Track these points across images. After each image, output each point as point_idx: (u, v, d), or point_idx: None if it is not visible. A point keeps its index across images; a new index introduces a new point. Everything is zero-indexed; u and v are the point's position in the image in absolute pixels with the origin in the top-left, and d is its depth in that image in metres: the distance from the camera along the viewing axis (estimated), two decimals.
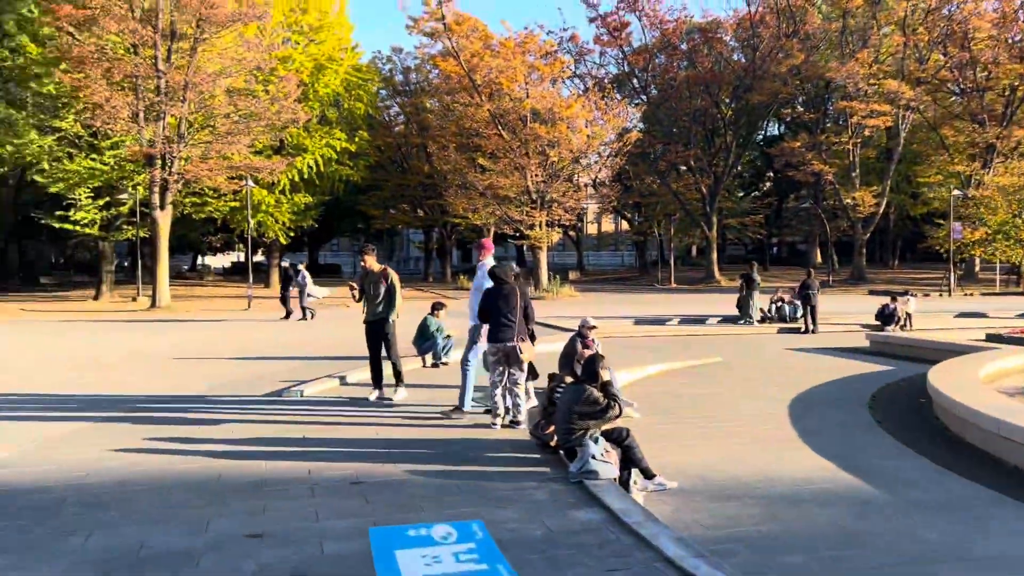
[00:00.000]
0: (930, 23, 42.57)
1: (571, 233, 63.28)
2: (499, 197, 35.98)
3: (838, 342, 18.36)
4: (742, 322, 21.80)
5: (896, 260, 63.38)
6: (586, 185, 39.24)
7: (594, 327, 10.05)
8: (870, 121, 41.47)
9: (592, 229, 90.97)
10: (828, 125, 48.49)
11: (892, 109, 41.16)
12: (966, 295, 36.12)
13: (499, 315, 7.99)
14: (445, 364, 13.07)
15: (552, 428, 6.55)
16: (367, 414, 8.79)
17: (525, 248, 61.55)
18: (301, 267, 24.11)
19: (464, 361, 8.78)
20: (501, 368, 8.14)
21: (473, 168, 36.71)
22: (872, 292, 37.83)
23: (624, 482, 5.93)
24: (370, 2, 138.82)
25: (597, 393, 5.99)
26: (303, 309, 23.33)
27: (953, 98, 44.04)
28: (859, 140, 44.99)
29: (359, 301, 9.75)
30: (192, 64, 26.91)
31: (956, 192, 38.52)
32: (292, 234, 40.42)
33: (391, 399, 9.52)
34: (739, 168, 57.14)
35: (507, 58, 33.90)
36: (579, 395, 6.00)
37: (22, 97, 32.24)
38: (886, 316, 21.56)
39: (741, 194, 65.96)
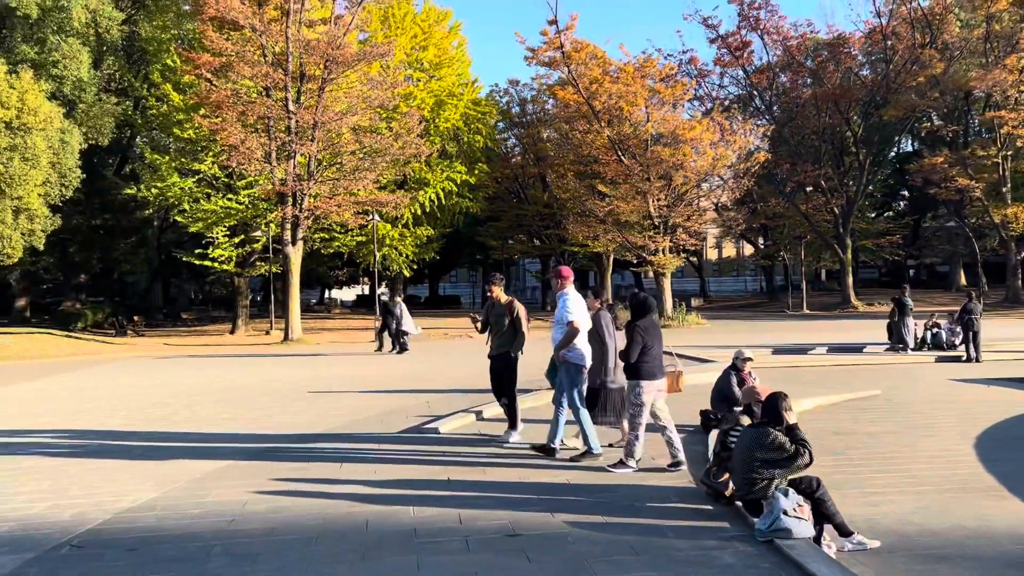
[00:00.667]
0: None
1: (692, 259, 61.66)
2: (620, 223, 35.26)
3: (1008, 372, 16.63)
4: (895, 350, 20.17)
5: None
6: (707, 209, 37.93)
7: (750, 359, 9.26)
8: (1020, 131, 38.34)
9: (712, 254, 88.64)
10: (971, 138, 45.26)
11: None
12: None
13: (657, 348, 7.31)
14: None
15: (726, 476, 5.83)
16: (508, 453, 8.29)
17: (643, 276, 60.39)
18: (399, 299, 23.08)
19: (572, 406, 7.91)
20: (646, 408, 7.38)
21: (592, 195, 36.20)
22: None
23: (815, 539, 5.16)
24: (489, 36, 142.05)
25: (783, 438, 5.25)
26: (396, 342, 22.34)
27: None
28: (1009, 152, 41.69)
29: (483, 333, 9.21)
30: (320, 104, 27.74)
31: None
32: (415, 266, 41.02)
33: (506, 440, 8.80)
34: (872, 187, 54.23)
35: (627, 83, 33.33)
36: (762, 440, 5.27)
37: (165, 143, 34.25)
38: None
39: (873, 214, 62.60)
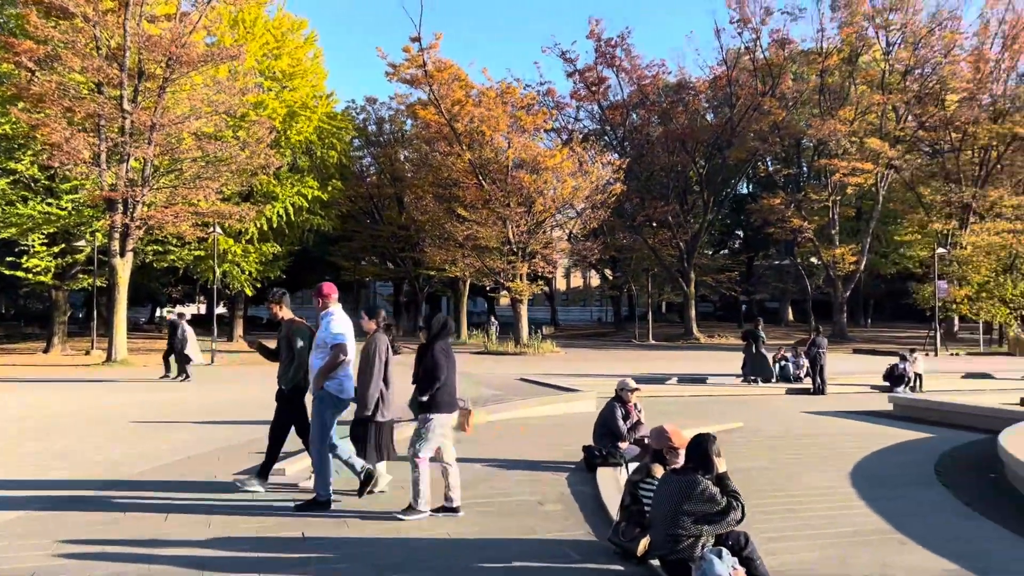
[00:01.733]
0: (907, 83, 42.91)
1: (545, 287, 62.22)
2: (479, 248, 34.70)
3: (854, 404, 17.26)
4: (749, 381, 20.56)
5: (869, 319, 63.28)
6: (563, 238, 38.11)
7: (636, 389, 8.65)
8: (852, 179, 41.28)
9: (561, 284, 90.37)
10: (803, 182, 48.41)
11: (874, 167, 41.05)
12: (952, 355, 35.47)
13: (452, 378, 6.50)
14: None
15: (638, 531, 5.04)
16: (369, 504, 7.20)
17: (495, 302, 60.24)
18: (183, 321, 20.48)
19: (317, 441, 6.77)
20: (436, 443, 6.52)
21: (451, 218, 35.48)
22: (857, 351, 37.06)
23: None
24: (346, 49, 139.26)
25: (714, 488, 4.54)
26: (178, 366, 20.06)
27: (930, 157, 44.14)
28: (839, 197, 44.83)
29: (273, 360, 7.71)
30: (159, 105, 25.42)
31: (941, 250, 38.17)
32: (259, 285, 38.59)
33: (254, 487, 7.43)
34: (712, 225, 56.88)
35: (489, 107, 33.00)
36: (690, 490, 4.52)
37: None
38: (896, 377, 20.55)
39: (711, 251, 65.76)
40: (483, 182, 33.82)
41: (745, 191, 63.35)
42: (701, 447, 4.65)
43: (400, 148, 50.83)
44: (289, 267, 41.16)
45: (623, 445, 8.27)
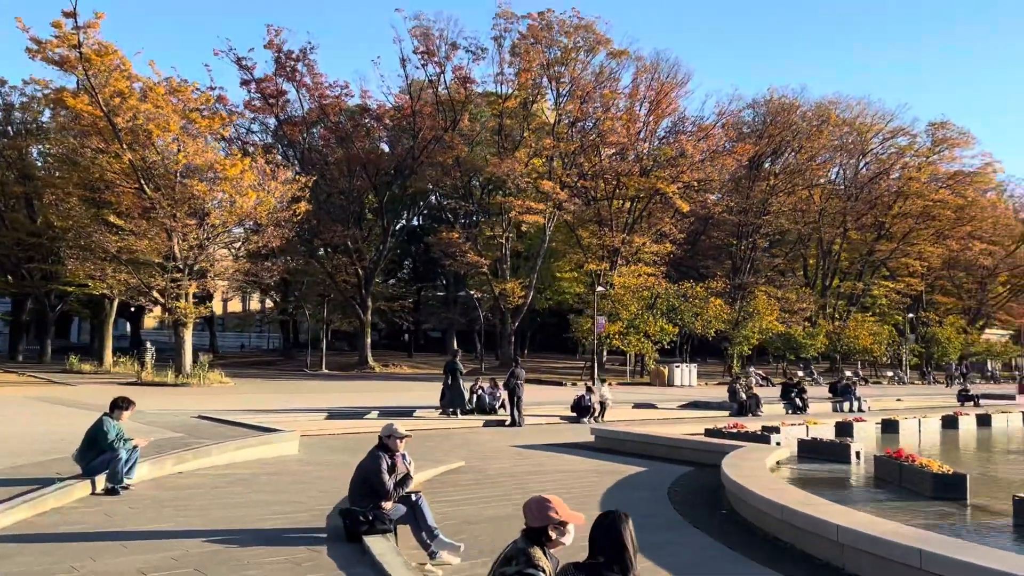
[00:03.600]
0: (573, 134, 46.66)
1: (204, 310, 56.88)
2: (136, 262, 30.20)
3: (554, 436, 17.39)
4: (447, 414, 19.93)
5: (526, 349, 67.47)
6: (240, 256, 34.76)
7: (406, 436, 7.25)
8: (527, 217, 43.56)
9: (219, 307, 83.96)
10: (479, 219, 50.25)
11: (546, 207, 43.75)
12: (609, 385, 38.62)
13: None
14: (126, 488, 9.04)
15: None
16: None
17: (140, 326, 53.60)
18: None
19: None
20: None
21: (102, 226, 30.49)
22: (527, 381, 38.83)
23: None
24: None
25: None
26: None
27: (587, 204, 48.32)
28: (511, 234, 47.13)
29: None
30: None
31: (601, 289, 41.66)
32: None
33: None
34: (388, 253, 56.72)
35: (158, 104, 29.01)
36: None
37: None
38: (583, 408, 21.36)
39: (382, 280, 65.68)
40: (145, 187, 29.59)
41: (416, 223, 64.29)
42: (613, 532, 3.51)
43: (33, 140, 43.25)
44: None
45: (387, 505, 6.82)
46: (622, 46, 47.12)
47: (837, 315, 58.09)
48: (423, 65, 47.15)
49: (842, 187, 62.47)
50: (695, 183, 49.09)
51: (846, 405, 28.11)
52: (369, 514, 6.59)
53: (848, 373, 41.82)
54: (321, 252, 49.46)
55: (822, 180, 63.09)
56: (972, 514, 10.19)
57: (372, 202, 51.71)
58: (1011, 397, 35.52)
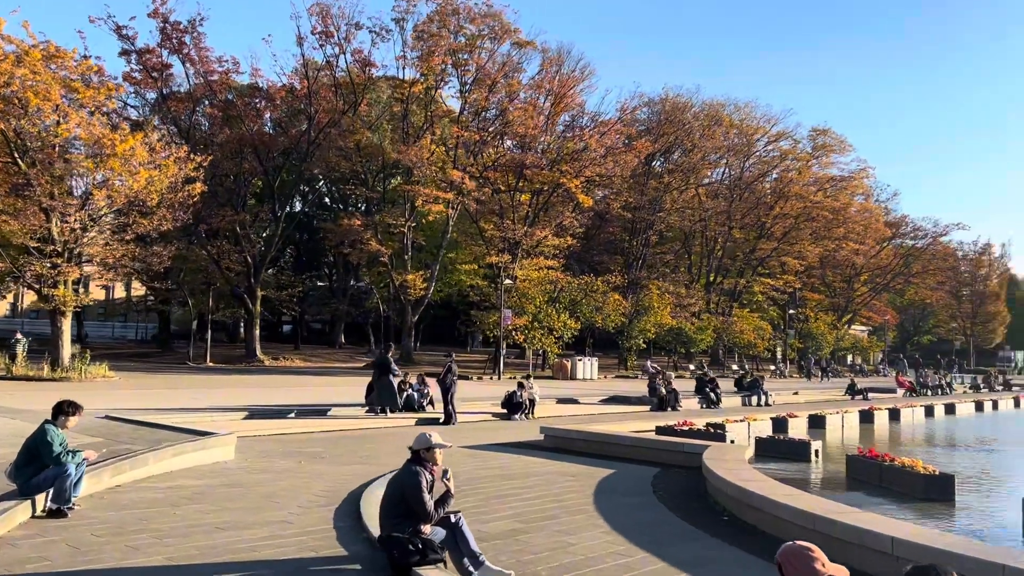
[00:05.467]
0: (478, 123, 45.86)
1: (85, 298, 52.31)
2: (6, 245, 27.16)
3: (493, 435, 16.74)
4: (375, 411, 18.85)
5: (418, 343, 66.19)
6: (129, 240, 31.72)
7: (445, 445, 6.38)
8: (432, 206, 42.41)
9: (96, 294, 77.90)
10: (377, 206, 48.60)
11: (453, 196, 42.72)
12: (511, 378, 38.27)
13: None
14: (71, 509, 7.71)
15: None
16: None
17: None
18: None
19: None
20: None
21: None
22: (430, 375, 37.88)
23: None
24: None
25: None
26: None
27: (491, 195, 47.57)
28: (413, 223, 45.85)
29: None
30: None
31: (508, 282, 41.12)
32: None
33: None
34: (279, 241, 54.07)
35: (35, 69, 26.12)
36: None
37: None
38: (515, 404, 20.80)
39: (271, 269, 62.62)
40: (20, 161, 26.65)
41: (303, 210, 61.63)
42: None
43: None
44: None
45: (426, 529, 5.96)
46: (530, 37, 46.76)
47: (720, 310, 60.10)
48: (321, 46, 45.13)
49: (727, 187, 64.70)
50: (596, 178, 49.40)
51: (754, 399, 28.93)
52: (418, 542, 5.71)
53: (747, 366, 43.28)
54: (204, 237, 46.47)
55: (707, 180, 65.21)
56: (976, 518, 10.33)
57: (257, 186, 49.07)
58: (893, 391, 37.76)
